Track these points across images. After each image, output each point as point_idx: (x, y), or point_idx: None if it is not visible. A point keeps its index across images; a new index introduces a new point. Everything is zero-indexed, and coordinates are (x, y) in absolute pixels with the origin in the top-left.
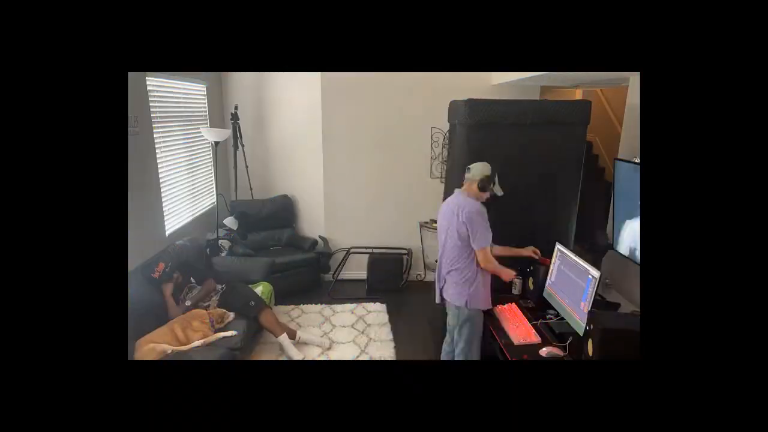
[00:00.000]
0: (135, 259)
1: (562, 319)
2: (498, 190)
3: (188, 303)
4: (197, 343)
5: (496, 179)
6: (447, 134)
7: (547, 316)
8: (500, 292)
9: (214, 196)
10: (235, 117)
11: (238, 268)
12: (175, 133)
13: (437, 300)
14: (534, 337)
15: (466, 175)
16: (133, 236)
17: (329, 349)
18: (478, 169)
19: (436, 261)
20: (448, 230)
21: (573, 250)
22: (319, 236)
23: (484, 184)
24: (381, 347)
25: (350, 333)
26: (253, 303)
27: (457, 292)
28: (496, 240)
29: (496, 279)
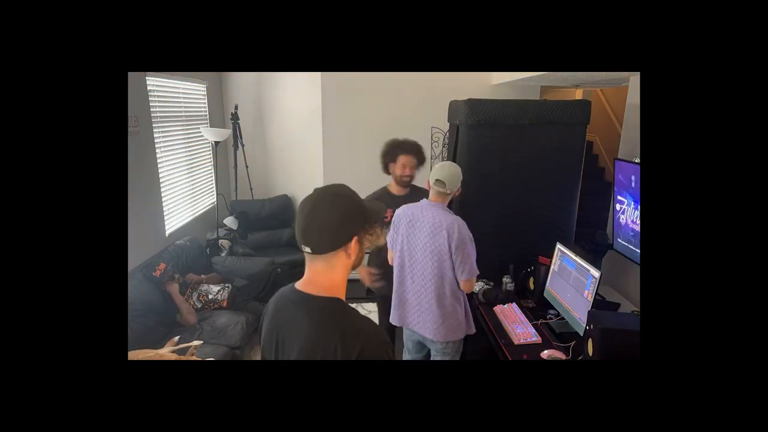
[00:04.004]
0: (135, 259)
1: (563, 318)
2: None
3: (199, 305)
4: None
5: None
6: (447, 134)
7: (548, 316)
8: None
9: (214, 196)
10: (235, 117)
11: (238, 268)
12: (175, 133)
13: (396, 323)
14: (534, 337)
15: (438, 188)
16: (133, 236)
17: None
18: (455, 176)
19: None
20: (427, 248)
21: (573, 250)
22: None
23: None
24: None
25: None
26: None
27: (437, 327)
28: (505, 240)
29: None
